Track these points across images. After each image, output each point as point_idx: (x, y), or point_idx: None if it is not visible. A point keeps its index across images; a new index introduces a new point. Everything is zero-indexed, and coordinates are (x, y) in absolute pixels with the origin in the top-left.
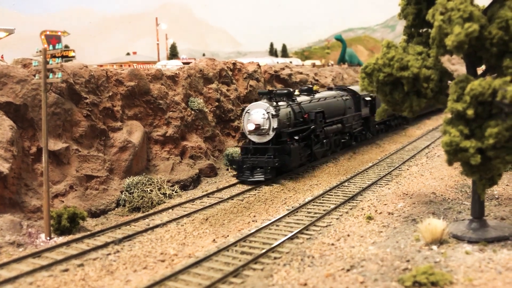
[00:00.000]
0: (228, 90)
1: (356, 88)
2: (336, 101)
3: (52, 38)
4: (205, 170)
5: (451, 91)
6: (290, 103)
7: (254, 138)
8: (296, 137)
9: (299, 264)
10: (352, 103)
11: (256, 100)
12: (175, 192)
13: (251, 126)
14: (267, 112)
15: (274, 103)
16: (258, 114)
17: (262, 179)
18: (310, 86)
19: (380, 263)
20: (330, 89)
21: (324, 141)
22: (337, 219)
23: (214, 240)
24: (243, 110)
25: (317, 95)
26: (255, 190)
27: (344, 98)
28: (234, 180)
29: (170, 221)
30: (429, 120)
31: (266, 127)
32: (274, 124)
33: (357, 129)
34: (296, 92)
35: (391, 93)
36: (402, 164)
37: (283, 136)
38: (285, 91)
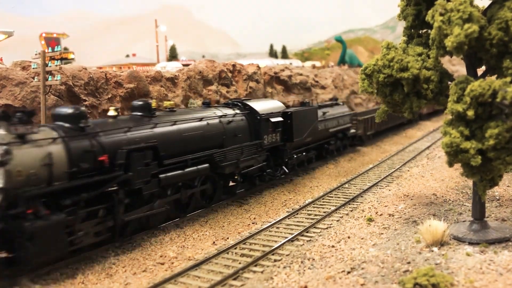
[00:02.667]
0: (228, 92)
1: (263, 104)
2: (202, 125)
3: (51, 40)
4: None
5: (451, 92)
6: (73, 134)
7: None
8: (68, 201)
9: (300, 267)
10: (245, 126)
11: None
12: None
13: None
14: None
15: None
16: None
17: None
18: (148, 101)
19: (381, 265)
20: (207, 104)
21: (158, 200)
22: (337, 221)
23: (214, 242)
24: None
25: (156, 118)
26: (255, 192)
27: (226, 120)
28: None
29: (169, 223)
30: (429, 121)
31: None
32: None
33: (254, 167)
34: (112, 112)
35: (391, 94)
36: (403, 165)
37: (21, 203)
38: (70, 112)
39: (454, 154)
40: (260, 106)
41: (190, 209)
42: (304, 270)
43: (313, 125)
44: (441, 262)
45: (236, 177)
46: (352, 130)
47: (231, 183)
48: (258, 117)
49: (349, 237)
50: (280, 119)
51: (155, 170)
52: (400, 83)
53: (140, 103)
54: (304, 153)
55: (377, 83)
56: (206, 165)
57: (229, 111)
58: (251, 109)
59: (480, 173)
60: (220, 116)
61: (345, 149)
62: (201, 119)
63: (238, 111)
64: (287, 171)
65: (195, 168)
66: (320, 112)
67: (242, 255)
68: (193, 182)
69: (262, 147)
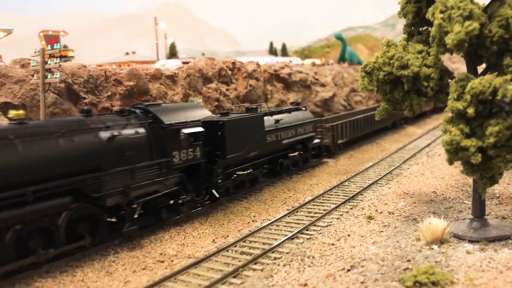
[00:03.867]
0: (227, 90)
1: (176, 110)
2: (62, 143)
3: (51, 38)
4: None
5: (451, 90)
6: None
7: None
8: None
9: (299, 265)
10: (143, 141)
11: None
12: None
13: None
14: None
15: None
16: None
17: None
18: None
19: (381, 263)
20: (86, 113)
21: None
22: (337, 219)
23: (213, 240)
24: None
25: None
26: (255, 190)
27: (106, 135)
28: None
29: (169, 221)
30: (429, 119)
31: None
32: None
33: (157, 194)
34: None
35: (391, 92)
36: (403, 163)
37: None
38: None
39: (454, 152)
40: (169, 113)
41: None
42: (304, 268)
43: (259, 137)
44: (441, 260)
45: (135, 207)
46: (316, 140)
47: (116, 219)
48: (164, 128)
49: (349, 235)
50: (199, 129)
51: None
52: (400, 80)
53: None
54: (249, 171)
55: (377, 81)
56: (68, 197)
57: (120, 121)
58: (155, 117)
59: (480, 171)
60: (99, 129)
61: (306, 163)
62: (62, 134)
63: (133, 121)
64: (217, 195)
65: (45, 203)
66: (270, 120)
67: (242, 253)
68: (52, 222)
69: (171, 167)
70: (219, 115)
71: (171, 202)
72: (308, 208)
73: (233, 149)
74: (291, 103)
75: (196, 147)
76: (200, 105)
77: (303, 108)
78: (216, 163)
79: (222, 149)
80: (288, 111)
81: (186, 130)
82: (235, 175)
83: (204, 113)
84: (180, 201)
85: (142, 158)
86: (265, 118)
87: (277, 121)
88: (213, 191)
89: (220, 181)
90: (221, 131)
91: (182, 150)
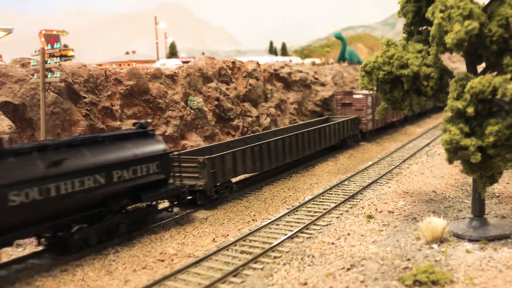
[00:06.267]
0: (227, 89)
1: None
2: None
3: (51, 38)
4: None
5: (451, 89)
6: None
7: None
8: None
9: (299, 263)
10: None
11: None
12: None
13: None
14: None
15: None
16: None
17: None
18: None
19: (381, 262)
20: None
21: None
22: (337, 218)
23: (213, 239)
24: None
25: None
26: (255, 189)
27: None
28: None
29: (169, 220)
30: (429, 118)
31: None
32: None
33: None
34: None
35: (391, 91)
36: (403, 162)
37: None
38: None
39: (454, 151)
40: None
41: None
42: (304, 267)
43: None
44: (441, 259)
45: None
46: (172, 187)
47: None
48: None
49: (348, 234)
50: None
51: None
52: (400, 80)
53: None
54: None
55: (377, 80)
56: None
57: None
58: None
59: (480, 170)
60: None
61: (128, 237)
62: None
63: None
64: None
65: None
66: (39, 165)
67: (242, 252)
68: None
69: None
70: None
71: None
72: (308, 207)
73: None
74: (134, 124)
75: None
76: None
77: (151, 133)
78: None
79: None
80: (95, 141)
81: None
82: None
83: None
84: None
85: None
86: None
87: (55, 164)
88: None
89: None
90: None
91: None
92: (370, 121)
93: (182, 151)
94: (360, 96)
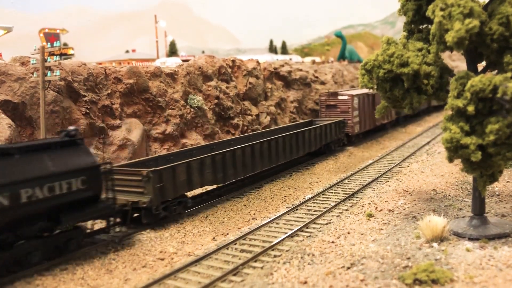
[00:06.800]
0: (227, 88)
1: None
2: None
3: (51, 36)
4: None
5: (451, 88)
6: None
7: None
8: None
9: (299, 262)
10: None
11: None
12: None
13: None
14: None
15: None
16: None
17: None
18: None
19: (381, 261)
20: None
21: None
22: (337, 216)
23: (213, 238)
24: None
25: None
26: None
27: None
28: None
29: (169, 219)
30: (429, 117)
31: None
32: None
33: None
34: None
35: (391, 90)
36: (403, 161)
37: None
38: None
39: (454, 150)
40: None
41: None
42: (304, 266)
43: None
44: (441, 257)
45: None
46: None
47: None
48: None
49: (349, 233)
50: None
51: None
52: (400, 78)
53: None
54: None
55: (377, 79)
56: None
57: None
58: None
59: (480, 169)
60: None
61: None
62: None
63: None
64: None
65: None
66: None
67: (242, 250)
68: None
69: None
70: None
71: None
72: (308, 206)
73: None
74: (59, 132)
75: None
76: None
77: (79, 142)
78: None
79: None
80: (10, 152)
81: None
82: None
83: None
84: None
85: None
86: None
87: None
88: None
89: None
90: None
91: None
92: (356, 124)
93: (127, 162)
94: (346, 97)
